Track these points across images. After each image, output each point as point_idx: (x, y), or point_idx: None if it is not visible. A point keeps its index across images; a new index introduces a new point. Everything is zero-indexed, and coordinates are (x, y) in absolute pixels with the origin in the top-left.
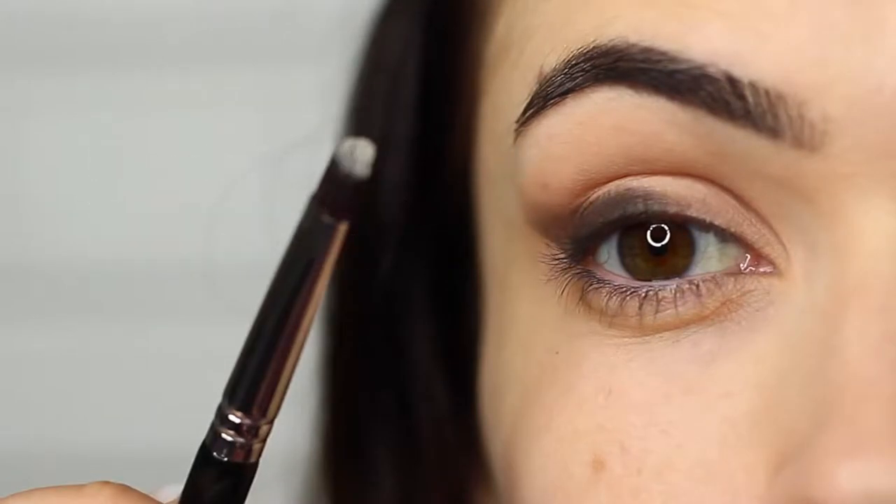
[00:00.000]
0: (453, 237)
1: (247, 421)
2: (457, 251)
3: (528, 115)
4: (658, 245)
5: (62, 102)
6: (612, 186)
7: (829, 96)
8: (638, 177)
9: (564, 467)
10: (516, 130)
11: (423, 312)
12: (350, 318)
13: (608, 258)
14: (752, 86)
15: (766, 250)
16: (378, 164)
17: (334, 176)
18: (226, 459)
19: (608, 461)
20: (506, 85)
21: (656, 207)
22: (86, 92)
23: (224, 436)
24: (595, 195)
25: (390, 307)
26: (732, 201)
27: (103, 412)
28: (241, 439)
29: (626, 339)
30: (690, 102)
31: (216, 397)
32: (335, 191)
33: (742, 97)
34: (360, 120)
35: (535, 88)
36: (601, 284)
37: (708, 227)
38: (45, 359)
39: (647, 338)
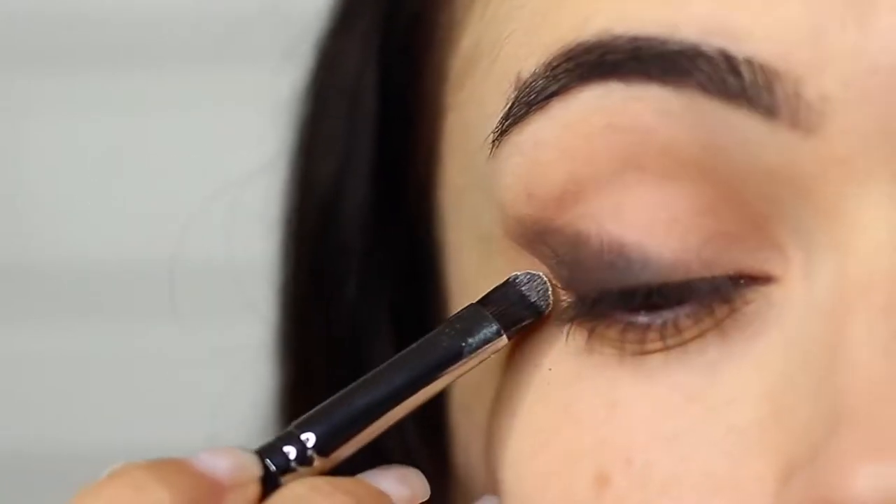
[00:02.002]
0: (414, 256)
1: (312, 455)
2: (418, 270)
3: (507, 123)
4: (660, 303)
5: (62, 102)
6: (605, 242)
7: (824, 75)
8: (632, 187)
9: (566, 486)
10: (494, 141)
11: (387, 335)
12: (313, 344)
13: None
14: (748, 62)
15: (766, 268)
16: (339, 185)
17: (518, 298)
18: (273, 469)
19: (613, 476)
20: (476, 97)
21: (656, 279)
22: (86, 92)
23: (285, 450)
24: (584, 249)
25: (354, 331)
26: (728, 209)
27: (103, 412)
28: (293, 461)
29: (625, 356)
30: (685, 85)
31: (216, 397)
32: (514, 311)
33: (738, 74)
34: (316, 141)
35: (513, 96)
36: (611, 323)
37: (709, 280)
38: (45, 359)
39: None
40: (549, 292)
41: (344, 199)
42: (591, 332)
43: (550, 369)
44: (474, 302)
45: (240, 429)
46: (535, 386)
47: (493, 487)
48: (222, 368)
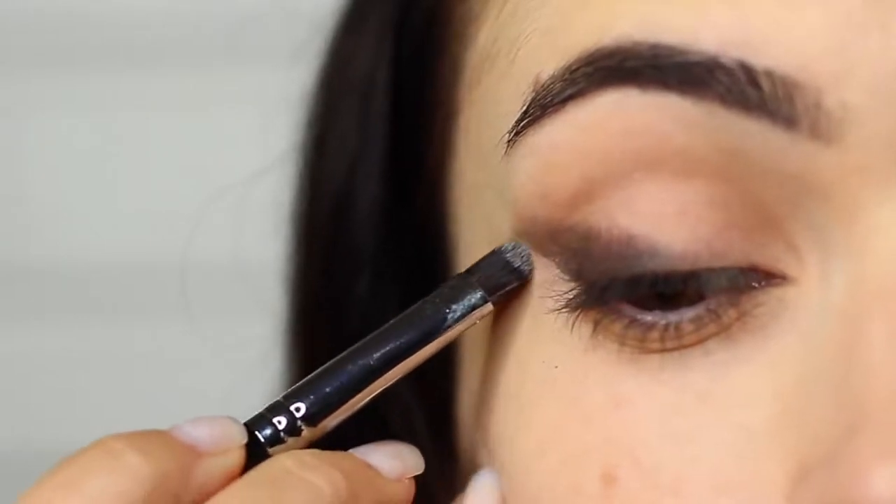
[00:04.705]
0: (425, 254)
1: (301, 426)
2: (429, 267)
3: (523, 124)
4: (669, 293)
5: (62, 102)
6: (614, 234)
7: (846, 85)
8: (644, 183)
9: (573, 483)
10: (509, 141)
11: None
12: (323, 341)
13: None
14: (768, 74)
15: (779, 266)
16: (351, 183)
17: (503, 265)
18: (261, 440)
19: (620, 475)
20: (492, 95)
21: (664, 267)
22: (86, 92)
23: (274, 420)
24: (594, 243)
25: (364, 329)
26: (742, 204)
27: (103, 412)
28: (283, 432)
29: (634, 353)
30: (704, 96)
31: (216, 397)
32: (499, 277)
33: (757, 86)
34: (328, 139)
35: (530, 97)
36: (616, 318)
37: (719, 271)
38: (45, 359)
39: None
40: (532, 258)
41: (355, 196)
42: (596, 325)
43: (557, 367)
44: (461, 272)
45: None
46: (542, 384)
47: (505, 489)
48: (226, 368)
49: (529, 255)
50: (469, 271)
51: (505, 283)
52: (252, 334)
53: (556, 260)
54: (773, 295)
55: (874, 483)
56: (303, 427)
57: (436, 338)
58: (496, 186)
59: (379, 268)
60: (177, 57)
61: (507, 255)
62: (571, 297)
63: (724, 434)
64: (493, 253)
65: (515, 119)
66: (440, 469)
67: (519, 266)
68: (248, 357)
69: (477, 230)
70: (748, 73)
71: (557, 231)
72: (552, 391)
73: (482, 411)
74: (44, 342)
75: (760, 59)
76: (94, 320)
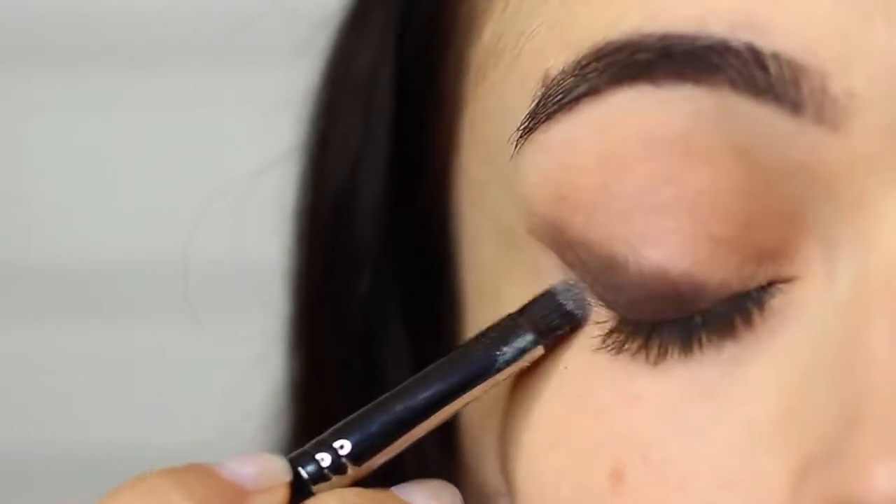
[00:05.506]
0: (427, 252)
1: (346, 463)
2: (432, 265)
3: (534, 121)
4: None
5: (62, 102)
6: (645, 269)
7: (851, 71)
8: (671, 209)
9: (580, 481)
10: (521, 136)
11: (399, 331)
12: (324, 339)
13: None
14: (775, 57)
15: (786, 271)
16: (354, 180)
17: (555, 307)
18: (305, 476)
19: (628, 472)
20: (498, 90)
21: (706, 304)
22: (86, 92)
23: (318, 457)
24: (622, 274)
25: (366, 327)
26: (762, 221)
27: (103, 412)
28: (326, 469)
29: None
30: (715, 81)
31: (216, 397)
32: (551, 320)
33: (765, 68)
34: (331, 137)
35: (540, 93)
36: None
37: (745, 296)
38: (45, 359)
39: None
40: (585, 301)
41: (358, 194)
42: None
43: (566, 367)
44: (512, 312)
45: (244, 430)
46: (550, 382)
47: (509, 489)
48: (226, 367)
49: (583, 298)
50: (520, 312)
51: (556, 327)
52: (253, 334)
53: (575, 270)
54: (780, 291)
55: (875, 480)
56: (347, 465)
57: (484, 380)
58: (504, 183)
59: (380, 266)
60: (177, 57)
61: (560, 297)
62: (609, 328)
63: (731, 431)
64: (544, 294)
65: (527, 113)
66: (446, 478)
67: (571, 309)
68: (248, 356)
69: (482, 227)
70: (756, 56)
71: (577, 241)
72: (561, 389)
73: (488, 413)
74: (44, 342)
75: (768, 42)
76: (94, 320)
